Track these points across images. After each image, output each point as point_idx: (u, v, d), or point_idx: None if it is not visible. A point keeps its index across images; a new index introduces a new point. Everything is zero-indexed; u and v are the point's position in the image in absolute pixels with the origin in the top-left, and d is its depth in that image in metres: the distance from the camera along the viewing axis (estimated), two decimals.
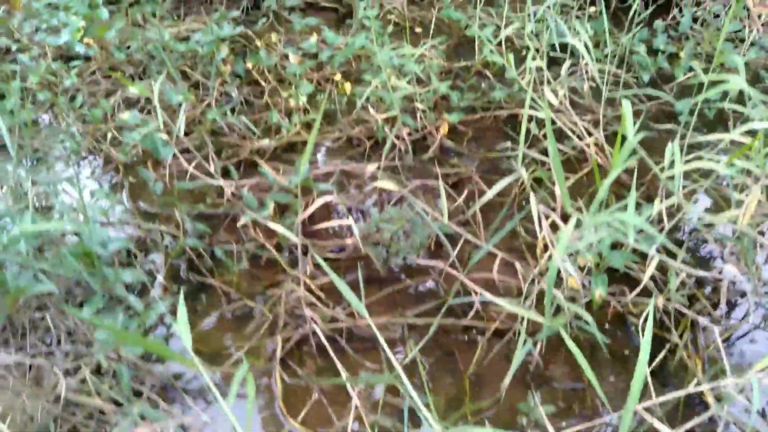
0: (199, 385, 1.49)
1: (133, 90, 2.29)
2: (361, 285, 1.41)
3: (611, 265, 1.42)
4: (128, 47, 2.68)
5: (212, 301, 1.68)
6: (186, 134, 2.28)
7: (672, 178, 1.41)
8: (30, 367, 1.49)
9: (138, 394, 1.42)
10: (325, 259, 1.76)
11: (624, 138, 1.86)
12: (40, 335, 1.54)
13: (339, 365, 1.35)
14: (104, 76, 2.61)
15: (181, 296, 1.05)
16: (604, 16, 2.14)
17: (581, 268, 1.48)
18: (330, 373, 1.51)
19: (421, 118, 2.27)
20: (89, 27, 2.65)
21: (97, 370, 1.45)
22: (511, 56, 2.17)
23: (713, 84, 2.16)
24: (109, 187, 2.11)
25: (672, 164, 1.48)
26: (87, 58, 2.66)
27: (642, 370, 0.86)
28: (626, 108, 1.22)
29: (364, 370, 1.50)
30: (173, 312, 1.60)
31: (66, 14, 2.73)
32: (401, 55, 2.35)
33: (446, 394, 1.44)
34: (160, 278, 1.66)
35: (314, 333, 1.53)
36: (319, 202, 1.40)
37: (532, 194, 1.51)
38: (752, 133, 1.71)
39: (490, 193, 1.41)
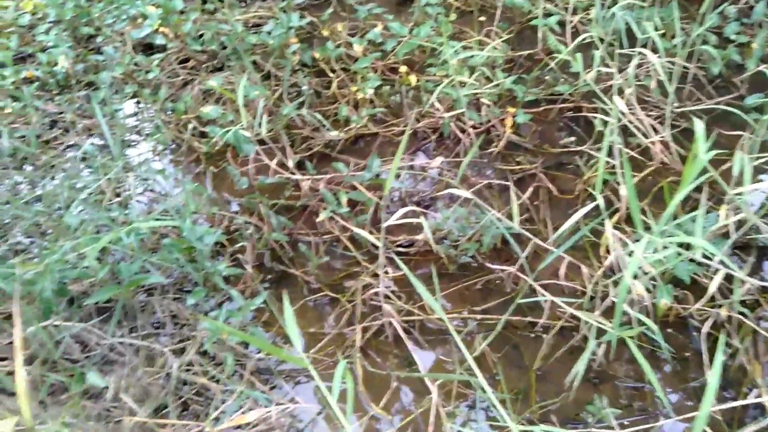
0: (287, 368, 1.66)
1: (212, 83, 2.44)
2: (436, 282, 1.52)
3: (677, 275, 1.49)
4: (201, 36, 2.80)
5: (294, 290, 1.84)
6: (259, 124, 2.42)
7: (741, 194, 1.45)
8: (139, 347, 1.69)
9: (237, 374, 1.60)
10: (396, 253, 1.89)
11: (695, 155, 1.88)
12: (148, 318, 1.73)
13: (417, 359, 1.49)
14: (179, 63, 2.76)
15: (287, 301, 1.19)
16: (674, 4, 2.12)
17: (645, 273, 1.55)
18: (403, 361, 1.65)
19: (485, 112, 2.33)
20: (165, 17, 2.79)
21: (200, 351, 1.64)
22: (578, 55, 2.18)
23: None
24: (193, 177, 2.28)
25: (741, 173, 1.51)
26: (163, 48, 2.81)
27: (713, 388, 0.95)
28: (698, 129, 1.27)
29: (436, 360, 1.64)
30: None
31: (142, 2, 2.88)
32: (466, 47, 2.40)
33: (512, 387, 1.56)
34: (249, 269, 1.82)
35: (390, 324, 1.67)
36: (401, 212, 1.51)
37: (608, 223, 1.57)
38: None
39: (566, 225, 1.46)
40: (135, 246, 1.60)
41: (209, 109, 2.31)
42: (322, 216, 1.88)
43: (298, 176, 2.08)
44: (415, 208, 1.57)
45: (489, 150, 2.26)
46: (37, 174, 2.26)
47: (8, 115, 2.43)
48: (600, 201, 1.36)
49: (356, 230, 1.67)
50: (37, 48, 2.81)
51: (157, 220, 1.65)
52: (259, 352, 1.65)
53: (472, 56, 2.36)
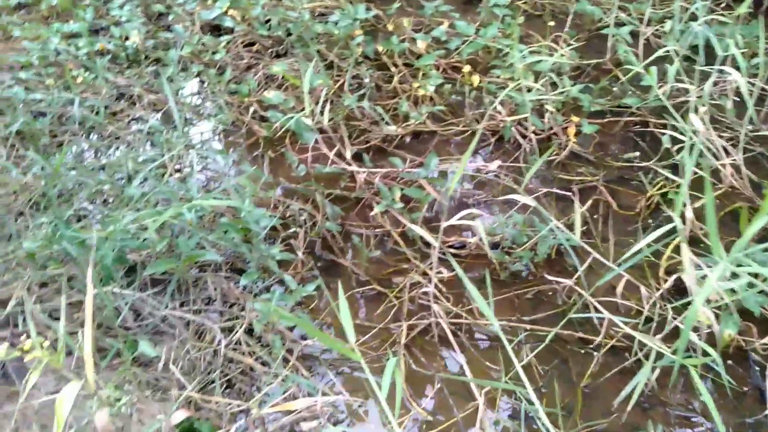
0: (331, 357, 1.67)
1: (277, 69, 2.47)
2: (489, 288, 1.50)
3: (745, 306, 1.42)
4: (268, 21, 2.83)
5: (343, 281, 1.85)
6: (320, 112, 2.43)
7: None
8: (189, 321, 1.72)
9: (284, 359, 1.61)
10: (446, 254, 1.87)
11: None
12: (199, 294, 1.77)
13: (462, 362, 1.47)
14: (245, 46, 2.80)
15: (341, 291, 1.19)
16: (761, 21, 2.02)
17: (708, 301, 1.50)
18: (447, 363, 1.64)
19: (548, 119, 2.28)
20: (235, 0, 2.83)
21: (248, 332, 1.66)
22: (652, 69, 2.11)
23: None
24: (251, 160, 2.31)
25: None
26: (231, 30, 2.85)
27: None
28: None
29: (482, 366, 1.62)
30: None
31: None
32: (534, 52, 2.35)
33: (558, 402, 1.53)
34: (300, 255, 1.83)
35: (437, 324, 1.66)
36: (462, 213, 1.49)
37: (685, 247, 1.51)
38: None
39: (640, 245, 1.40)
40: (194, 222, 1.63)
41: (272, 95, 2.33)
42: (377, 209, 1.88)
43: (354, 168, 2.08)
44: (474, 210, 1.55)
45: (550, 158, 2.21)
46: (103, 144, 2.33)
47: (80, 84, 2.51)
48: (678, 222, 1.31)
49: (411, 227, 1.66)
50: (110, 21, 2.89)
51: (218, 199, 1.68)
52: (305, 338, 1.66)
53: (539, 61, 2.32)
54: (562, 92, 2.27)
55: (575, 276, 1.66)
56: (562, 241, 1.67)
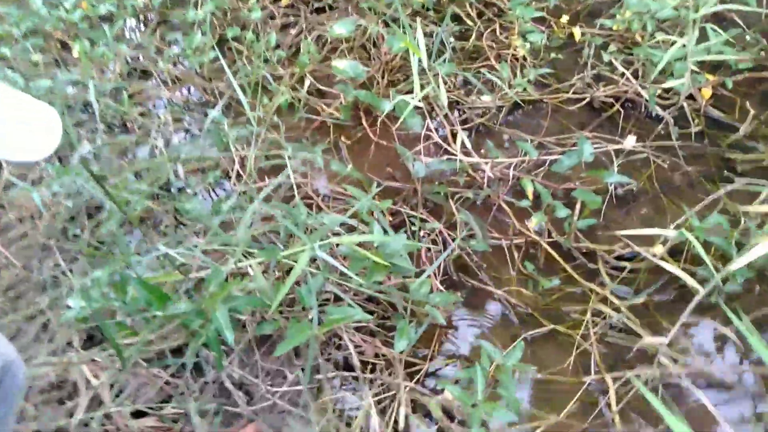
0: None
1: (340, 30, 1.93)
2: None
3: None
4: None
5: (494, 315, 1.44)
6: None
7: None
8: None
9: None
10: (616, 269, 1.48)
11: None
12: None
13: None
14: (273, 1, 2.23)
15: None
16: None
17: None
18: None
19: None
20: None
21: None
22: None
23: None
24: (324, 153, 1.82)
25: None
26: None
27: None
28: None
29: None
30: None
31: None
32: None
33: None
34: (437, 283, 1.41)
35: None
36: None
37: None
38: None
39: None
40: (324, 266, 1.17)
41: (343, 64, 1.81)
42: (536, 220, 1.45)
43: (475, 158, 1.63)
44: None
45: (690, 130, 1.82)
46: (130, 140, 1.78)
47: (76, 60, 1.91)
48: None
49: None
50: None
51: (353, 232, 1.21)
52: None
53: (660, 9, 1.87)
54: (707, 47, 1.85)
55: None
56: None
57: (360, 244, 1.19)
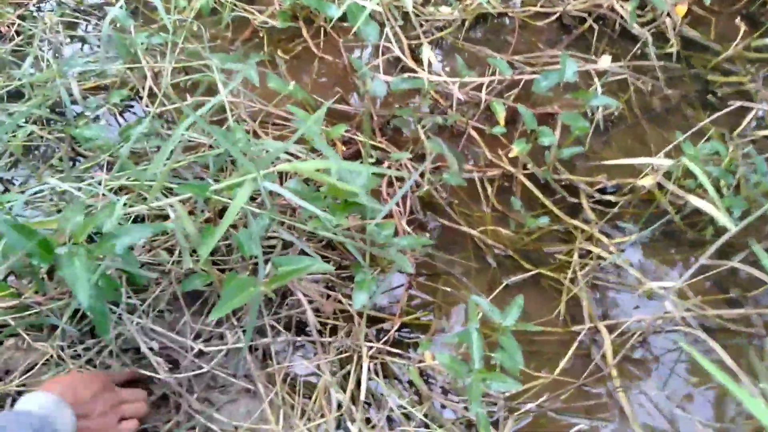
0: None
1: None
2: None
3: None
4: None
5: (467, 258, 1.25)
6: None
7: None
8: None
9: None
10: (600, 203, 1.32)
11: None
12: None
13: None
14: None
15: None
16: None
17: None
18: None
19: None
20: None
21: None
22: None
23: None
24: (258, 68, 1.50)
25: None
26: None
27: None
28: None
29: None
30: None
31: None
32: None
33: None
34: (404, 224, 1.19)
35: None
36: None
37: None
38: None
39: None
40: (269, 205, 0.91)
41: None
42: (518, 149, 1.24)
43: (443, 77, 1.39)
44: None
45: (666, 50, 1.66)
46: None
47: None
48: None
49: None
50: None
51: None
52: None
53: None
54: None
55: None
56: None
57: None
